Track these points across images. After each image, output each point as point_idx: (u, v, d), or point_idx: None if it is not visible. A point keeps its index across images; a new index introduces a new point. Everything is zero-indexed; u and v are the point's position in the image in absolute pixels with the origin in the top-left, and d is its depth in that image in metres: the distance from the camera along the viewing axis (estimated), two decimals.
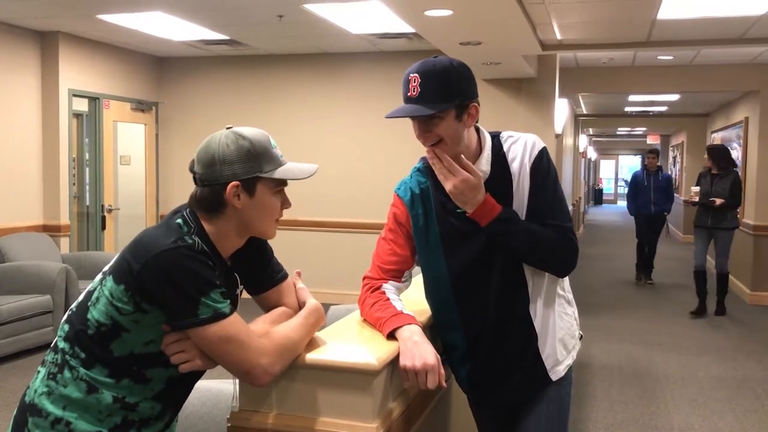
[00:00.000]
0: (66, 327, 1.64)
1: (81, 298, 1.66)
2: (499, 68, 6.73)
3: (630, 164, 34.75)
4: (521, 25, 5.01)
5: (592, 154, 25.84)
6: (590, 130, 19.93)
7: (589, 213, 23.72)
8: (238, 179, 1.61)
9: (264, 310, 1.80)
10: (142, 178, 8.33)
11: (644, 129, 19.13)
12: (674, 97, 11.01)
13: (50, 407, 1.58)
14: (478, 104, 1.92)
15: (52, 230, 7.01)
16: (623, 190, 33.23)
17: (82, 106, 7.49)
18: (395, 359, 1.75)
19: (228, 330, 1.54)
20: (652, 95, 10.78)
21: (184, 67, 8.46)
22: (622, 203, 29.77)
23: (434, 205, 1.99)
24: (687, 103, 11.76)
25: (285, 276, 1.84)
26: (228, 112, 8.17)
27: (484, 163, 1.95)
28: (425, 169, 2.04)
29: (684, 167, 15.46)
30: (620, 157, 34.80)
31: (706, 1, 5.10)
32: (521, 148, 1.96)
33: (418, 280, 2.15)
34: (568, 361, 2.05)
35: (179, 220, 1.63)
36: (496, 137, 2.00)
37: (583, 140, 18.12)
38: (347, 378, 1.64)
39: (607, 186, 34.29)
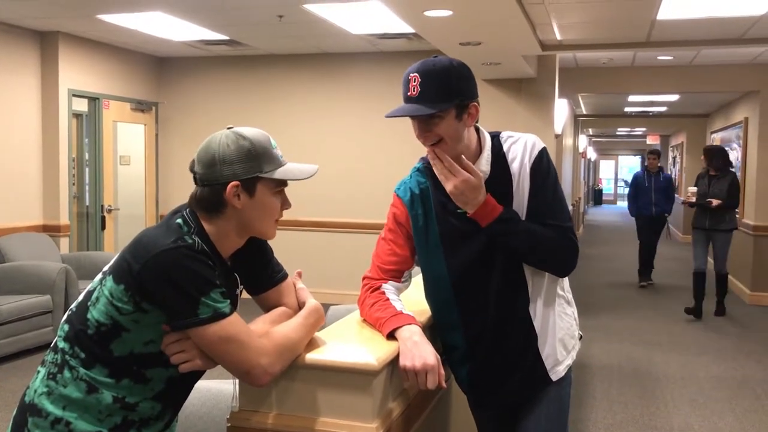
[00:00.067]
0: (66, 327, 1.64)
1: (81, 298, 1.66)
2: (499, 68, 6.73)
3: (630, 164, 34.75)
4: (521, 25, 5.01)
5: (591, 154, 25.84)
6: (590, 130, 19.93)
7: (588, 213, 23.73)
8: (238, 179, 1.61)
9: (264, 310, 1.80)
10: (142, 178, 8.33)
11: (644, 129, 19.14)
12: (674, 98, 11.02)
13: (50, 407, 1.58)
14: (478, 104, 1.92)
15: (51, 230, 7.01)
16: (623, 190, 33.25)
17: (81, 106, 7.49)
18: (395, 359, 1.74)
19: (228, 330, 1.54)
20: (652, 95, 10.78)
21: (184, 67, 8.46)
22: (622, 203, 29.79)
23: (434, 206, 1.99)
24: (687, 103, 11.77)
25: (285, 276, 1.84)
26: (228, 112, 8.17)
27: (484, 163, 1.95)
28: (425, 169, 2.04)
29: (684, 168, 15.47)
30: (620, 157, 34.80)
31: (706, 1, 5.10)
32: (521, 148, 1.96)
33: (418, 280, 2.15)
34: (568, 362, 2.05)
35: (179, 220, 1.63)
36: (495, 137, 2.00)
37: (582, 140, 18.13)
38: (347, 378, 1.64)
39: (607, 186, 34.29)
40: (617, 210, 27.54)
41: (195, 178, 1.67)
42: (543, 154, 1.96)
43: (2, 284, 5.89)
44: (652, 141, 20.57)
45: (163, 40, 7.29)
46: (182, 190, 7.33)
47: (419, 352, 1.73)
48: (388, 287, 1.99)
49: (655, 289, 9.31)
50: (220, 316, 1.54)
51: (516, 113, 7.35)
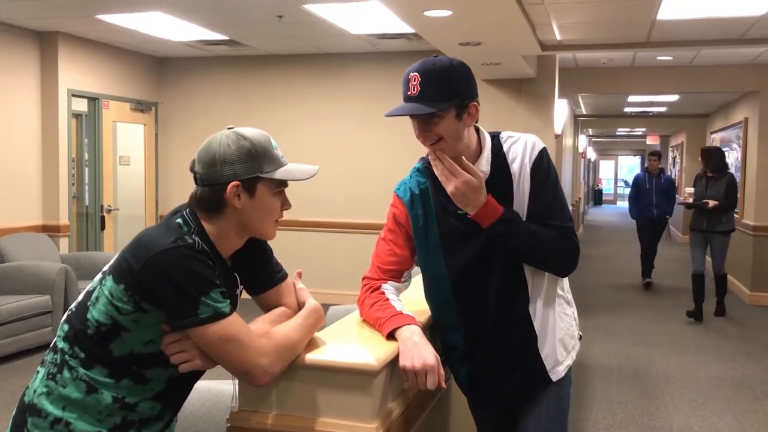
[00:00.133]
0: (65, 327, 1.64)
1: (80, 298, 1.66)
2: (499, 69, 6.73)
3: (629, 165, 34.78)
4: (521, 25, 5.01)
5: (591, 154, 25.85)
6: (590, 130, 19.94)
7: (588, 213, 23.74)
8: (239, 179, 1.61)
9: (263, 311, 1.80)
10: (142, 178, 8.33)
11: (644, 129, 19.15)
12: (674, 98, 11.02)
13: (49, 407, 1.58)
14: (478, 104, 1.92)
15: (51, 230, 7.01)
16: (622, 190, 33.27)
17: (81, 106, 7.49)
18: (395, 360, 1.74)
19: (228, 330, 1.54)
20: (652, 96, 10.78)
21: (184, 68, 8.45)
22: (622, 204, 29.82)
23: (434, 206, 1.99)
24: (686, 103, 11.76)
25: (285, 276, 1.84)
26: (227, 112, 8.17)
27: (484, 164, 1.94)
28: (425, 170, 2.04)
29: (683, 168, 15.46)
30: (620, 157, 34.81)
31: (706, 1, 5.10)
32: (521, 148, 1.96)
33: (417, 280, 2.15)
34: (568, 362, 2.05)
35: (179, 220, 1.63)
36: (495, 137, 2.00)
37: (582, 141, 18.13)
38: (347, 378, 1.64)
39: (607, 186, 34.30)
40: (617, 210, 27.55)
41: (195, 178, 1.67)
42: (543, 154, 1.96)
43: (2, 284, 5.88)
44: (652, 141, 20.59)
45: (163, 41, 7.29)
46: (182, 190, 7.33)
47: (419, 352, 1.73)
48: (388, 287, 1.99)
49: (654, 289, 9.31)
50: (220, 316, 1.54)
51: (516, 113, 7.36)
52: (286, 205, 1.72)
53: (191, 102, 8.45)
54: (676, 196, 9.82)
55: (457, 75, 1.86)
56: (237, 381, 1.70)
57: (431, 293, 2.10)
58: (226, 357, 1.56)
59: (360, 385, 1.63)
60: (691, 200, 7.35)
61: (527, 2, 4.82)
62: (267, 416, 1.69)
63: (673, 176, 16.20)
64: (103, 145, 7.64)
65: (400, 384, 1.81)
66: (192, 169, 1.67)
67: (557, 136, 7.92)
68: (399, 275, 2.02)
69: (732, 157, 9.77)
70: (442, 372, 1.75)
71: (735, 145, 9.74)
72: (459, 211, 1.93)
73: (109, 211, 7.73)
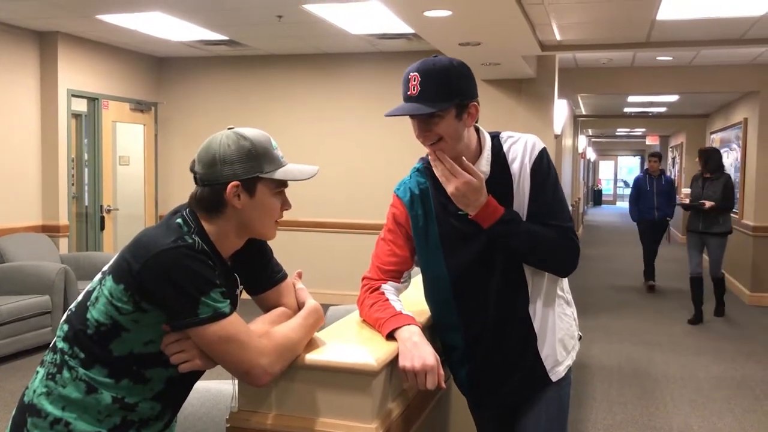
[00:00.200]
0: (65, 327, 1.64)
1: (80, 298, 1.66)
2: (499, 69, 6.73)
3: (629, 165, 34.79)
4: (520, 25, 5.01)
5: (591, 154, 25.85)
6: (589, 130, 19.94)
7: (588, 214, 23.74)
8: (239, 179, 1.61)
9: (263, 311, 1.80)
10: (141, 178, 8.33)
11: (643, 130, 19.16)
12: (673, 98, 11.02)
13: (49, 407, 1.58)
14: (478, 104, 1.91)
15: (51, 231, 7.01)
16: (622, 191, 33.28)
17: (81, 106, 7.49)
18: (394, 360, 1.74)
19: (228, 330, 1.54)
20: (652, 96, 10.78)
21: (184, 68, 8.45)
22: (621, 204, 29.84)
23: (434, 206, 1.99)
24: (686, 103, 11.77)
25: (284, 276, 1.84)
26: (227, 112, 8.17)
27: (484, 164, 1.94)
28: (425, 170, 2.04)
29: (683, 168, 15.46)
30: (619, 157, 34.83)
31: (706, 1, 5.10)
32: (521, 148, 1.96)
33: (417, 280, 2.15)
34: (568, 362, 2.05)
35: (179, 220, 1.62)
36: (495, 137, 2.00)
37: (582, 141, 18.13)
38: (346, 378, 1.64)
39: (607, 187, 34.31)
40: (617, 210, 27.56)
41: (195, 178, 1.67)
42: (543, 154, 1.96)
43: (1, 285, 5.88)
44: (652, 141, 20.59)
45: (163, 41, 7.29)
46: (182, 190, 7.34)
47: (419, 352, 1.73)
48: (388, 288, 1.99)
49: (655, 290, 9.31)
50: (220, 315, 1.54)
51: (515, 114, 7.36)
52: (286, 205, 1.72)
53: (191, 102, 8.45)
54: (677, 197, 9.80)
55: (457, 75, 1.86)
56: (237, 381, 1.70)
57: (431, 293, 2.10)
58: (226, 357, 1.56)
59: (360, 386, 1.63)
60: (687, 201, 7.34)
61: (527, 2, 4.82)
62: (267, 416, 1.69)
63: (672, 177, 16.20)
64: (103, 145, 7.63)
65: (399, 384, 1.81)
66: (192, 169, 1.67)
67: (557, 137, 7.92)
68: (399, 275, 2.02)
69: (732, 158, 9.77)
70: (442, 372, 1.75)
71: (735, 146, 9.73)
72: (459, 212, 1.93)
73: (108, 211, 7.73)
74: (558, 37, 6.11)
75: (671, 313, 7.79)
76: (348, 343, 1.86)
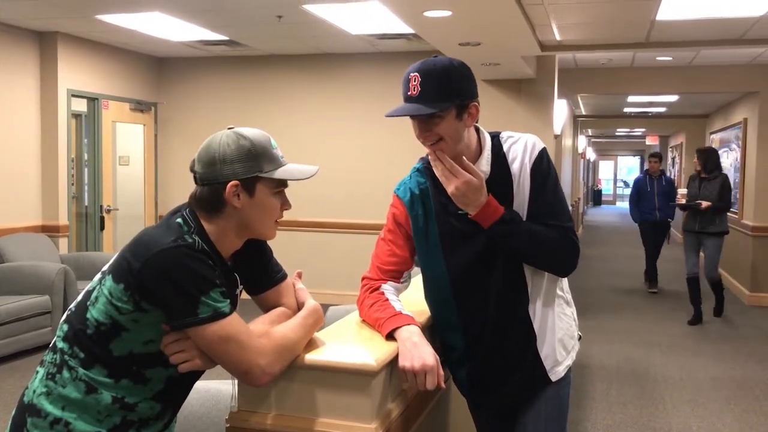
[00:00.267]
0: (65, 327, 1.64)
1: (80, 297, 1.66)
2: (499, 69, 6.73)
3: (629, 165, 34.80)
4: (520, 25, 5.01)
5: (591, 154, 25.85)
6: (589, 130, 19.94)
7: (588, 214, 23.74)
8: (238, 179, 1.61)
9: (263, 311, 1.80)
10: (141, 178, 8.33)
11: (643, 130, 19.16)
12: (673, 98, 11.02)
13: (49, 407, 1.58)
14: (479, 104, 1.91)
15: (50, 231, 7.01)
16: (622, 191, 33.28)
17: (80, 106, 7.49)
18: (394, 360, 1.74)
19: (227, 329, 1.54)
20: (651, 96, 10.78)
21: (183, 68, 8.45)
22: (621, 204, 29.84)
23: (434, 206, 1.99)
24: (686, 104, 11.77)
25: (284, 276, 1.84)
26: (227, 112, 8.17)
27: (485, 164, 1.94)
28: (425, 170, 2.04)
29: (683, 168, 15.46)
30: (619, 158, 34.83)
31: (706, 1, 5.10)
32: (521, 148, 1.96)
33: (417, 280, 2.15)
34: (568, 362, 2.05)
35: (179, 220, 1.62)
36: (495, 137, 2.00)
37: (582, 141, 18.14)
38: (346, 379, 1.64)
39: (606, 187, 34.31)
40: (616, 210, 27.57)
41: (195, 178, 1.67)
42: (543, 154, 1.96)
43: (1, 285, 5.88)
44: (652, 142, 20.60)
45: (162, 41, 7.29)
46: (181, 190, 7.33)
47: (418, 352, 1.73)
48: (388, 288, 1.99)
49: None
50: (220, 315, 1.54)
51: (515, 114, 7.36)
52: (285, 205, 1.72)
53: (191, 102, 8.45)
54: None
55: (457, 75, 1.86)
56: (236, 381, 1.70)
57: (431, 293, 2.10)
58: (226, 357, 1.56)
59: (359, 386, 1.63)
60: (684, 201, 7.33)
61: (527, 2, 4.82)
62: (266, 416, 1.69)
63: (672, 177, 16.20)
64: (103, 146, 7.63)
65: (399, 384, 1.81)
66: (192, 169, 1.67)
67: (557, 137, 7.92)
68: (398, 275, 2.02)
69: (731, 158, 9.77)
70: (442, 372, 1.75)
71: (734, 146, 9.73)
72: (459, 212, 1.93)
73: (108, 211, 7.73)
74: (558, 38, 6.11)
75: (671, 313, 7.79)
76: (347, 343, 1.86)
